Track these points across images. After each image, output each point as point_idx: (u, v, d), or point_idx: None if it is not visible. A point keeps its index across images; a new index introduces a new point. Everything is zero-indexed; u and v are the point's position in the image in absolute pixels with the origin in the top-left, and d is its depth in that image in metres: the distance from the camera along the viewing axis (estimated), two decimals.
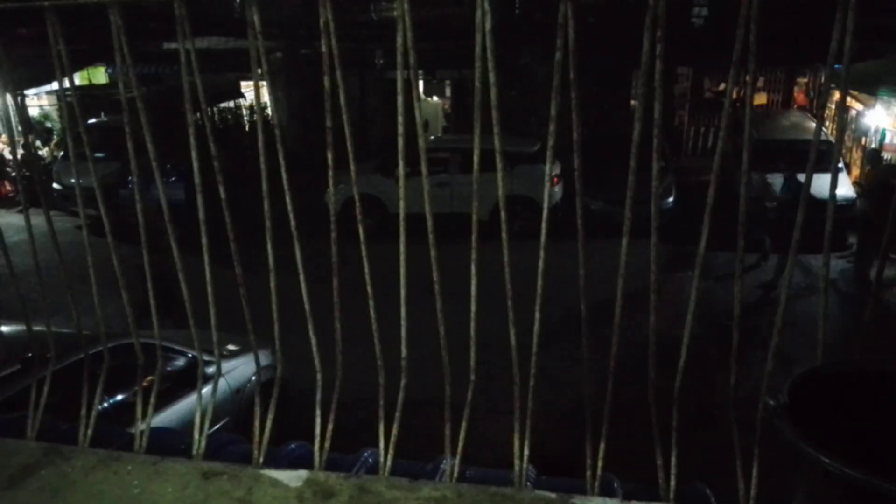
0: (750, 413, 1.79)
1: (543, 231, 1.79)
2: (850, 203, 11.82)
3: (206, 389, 2.21)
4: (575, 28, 1.55)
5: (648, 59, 1.54)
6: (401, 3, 1.58)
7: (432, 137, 17.57)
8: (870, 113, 13.74)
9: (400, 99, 1.70)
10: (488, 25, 1.57)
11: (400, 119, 1.72)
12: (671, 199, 12.42)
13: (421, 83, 19.41)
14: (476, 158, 1.72)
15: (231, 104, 18.21)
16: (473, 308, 1.90)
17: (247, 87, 18.53)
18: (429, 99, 20.70)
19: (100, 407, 2.29)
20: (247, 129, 18.02)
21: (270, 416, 2.09)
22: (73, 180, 2.30)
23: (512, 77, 14.45)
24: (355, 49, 15.17)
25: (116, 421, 2.81)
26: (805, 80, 18.74)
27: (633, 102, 17.25)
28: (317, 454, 1.99)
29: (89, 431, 2.20)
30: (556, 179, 12.72)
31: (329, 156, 1.81)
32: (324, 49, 1.68)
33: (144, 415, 2.22)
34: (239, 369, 6.05)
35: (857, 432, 1.35)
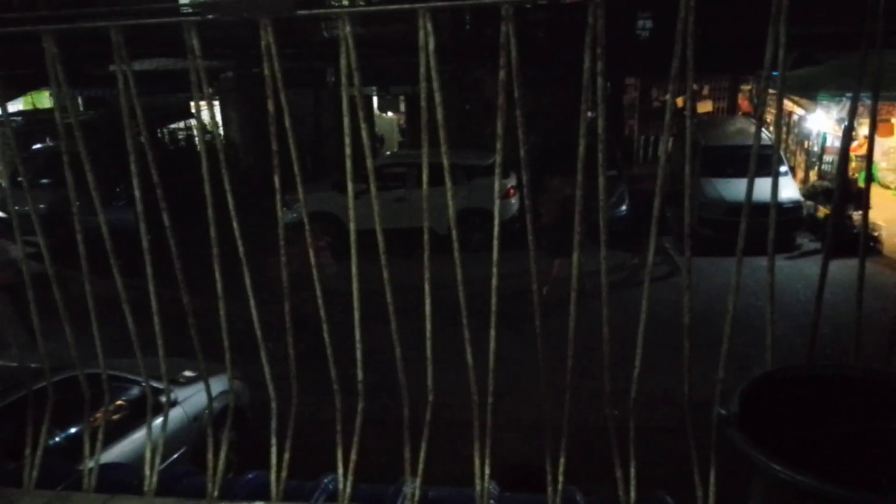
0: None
1: (496, 250, 1.79)
2: (796, 205, 12.18)
3: (159, 421, 2.14)
4: (524, 42, 1.57)
5: (590, 76, 1.56)
6: (343, 25, 1.57)
7: (388, 153, 17.57)
8: (811, 117, 14.23)
9: (346, 120, 1.69)
10: (432, 46, 1.57)
11: (346, 140, 1.70)
12: (624, 208, 12.63)
13: (375, 99, 19.41)
14: (425, 178, 1.72)
15: (182, 125, 17.93)
16: (429, 327, 1.88)
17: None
18: (383, 115, 20.68)
19: (50, 442, 2.21)
20: (198, 149, 17.71)
21: (225, 447, 2.03)
22: (16, 207, 2.22)
23: (465, 92, 14.56)
24: (307, 67, 15.10)
25: (69, 455, 2.70)
26: (749, 87, 19.31)
27: (589, 114, 17.53)
28: (273, 485, 1.94)
29: (34, 473, 2.11)
30: (511, 191, 12.83)
31: (276, 179, 1.79)
32: (266, 72, 1.66)
33: (93, 451, 2.13)
34: (196, 396, 5.90)
35: (810, 436, 1.37)
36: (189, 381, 6.04)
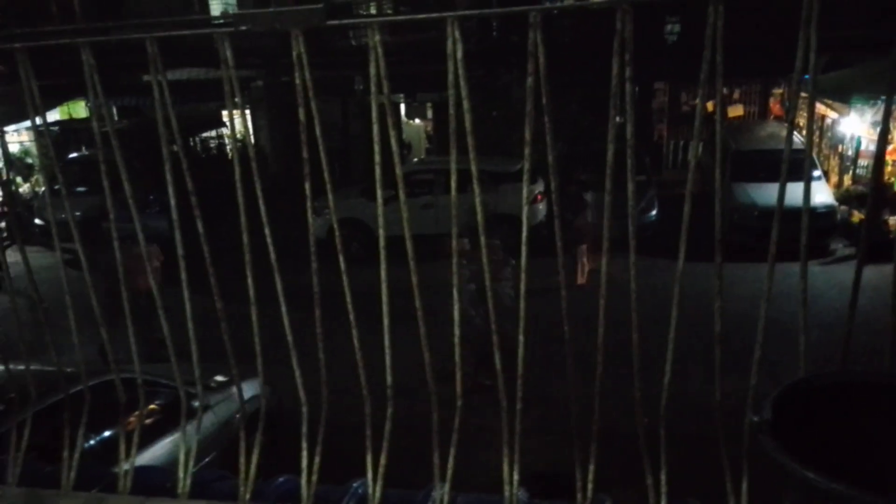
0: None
1: (524, 253, 1.79)
2: (829, 210, 11.96)
3: (192, 425, 2.18)
4: (551, 48, 1.57)
5: (618, 82, 1.56)
6: (373, 33, 1.59)
7: (416, 160, 17.64)
8: (844, 121, 13.96)
9: (375, 128, 1.71)
10: (460, 54, 1.58)
11: (376, 147, 1.72)
12: (654, 213, 12.52)
13: (402, 106, 19.53)
14: (454, 185, 1.73)
15: (213, 133, 18.23)
16: (457, 333, 1.89)
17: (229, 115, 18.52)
18: (411, 122, 20.80)
19: (85, 446, 2.26)
20: (230, 157, 18.02)
21: (256, 451, 2.06)
22: (54, 215, 2.28)
23: (492, 98, 14.58)
24: (335, 75, 15.27)
25: (105, 459, 2.76)
26: (780, 90, 19.04)
27: (618, 119, 17.47)
28: (304, 489, 1.96)
29: (72, 474, 2.16)
30: (539, 197, 12.80)
31: (307, 186, 1.81)
32: (297, 82, 1.69)
33: (128, 454, 2.18)
34: (227, 401, 5.98)
35: (843, 443, 1.35)
36: (220, 387, 6.12)
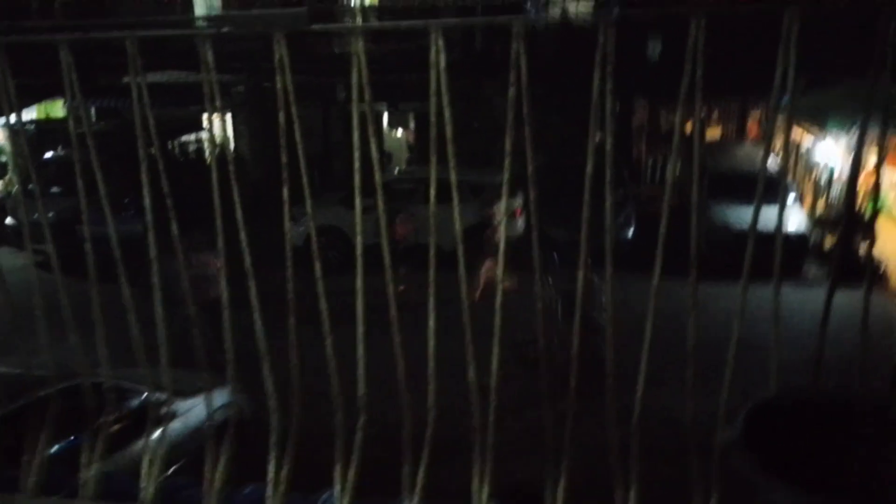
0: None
1: (500, 265, 1.79)
2: (803, 233, 12.16)
3: (160, 432, 2.14)
4: (532, 60, 1.58)
5: (599, 95, 1.57)
6: (356, 41, 1.59)
7: (396, 169, 17.61)
8: (820, 145, 14.22)
9: (356, 135, 1.71)
10: (443, 63, 1.58)
11: (356, 154, 1.72)
12: (631, 230, 12.62)
13: (385, 115, 19.51)
14: (432, 195, 1.73)
15: (192, 137, 18.05)
16: (431, 344, 1.88)
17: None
18: (393, 131, 20.78)
19: (53, 451, 2.21)
20: (209, 162, 17.85)
21: (223, 459, 2.03)
22: (26, 215, 2.24)
23: (473, 109, 14.63)
24: (317, 81, 15.22)
25: (71, 464, 2.69)
26: (758, 111, 19.35)
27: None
28: (271, 499, 1.93)
29: (34, 479, 2.10)
30: (518, 211, 12.84)
31: (285, 191, 1.80)
32: (279, 86, 1.68)
33: (93, 460, 2.13)
34: (198, 408, 5.89)
35: (813, 460, 1.36)
36: (193, 393, 6.03)
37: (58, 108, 19.61)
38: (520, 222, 12.68)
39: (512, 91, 1.59)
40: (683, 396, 1.82)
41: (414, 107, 18.06)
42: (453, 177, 1.70)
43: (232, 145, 16.57)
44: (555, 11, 15.23)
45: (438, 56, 1.57)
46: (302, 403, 2.02)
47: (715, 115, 19.13)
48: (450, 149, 1.67)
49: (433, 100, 1.61)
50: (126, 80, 1.94)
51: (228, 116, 17.12)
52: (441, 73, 1.59)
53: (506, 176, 1.75)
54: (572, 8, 15.26)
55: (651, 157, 18.85)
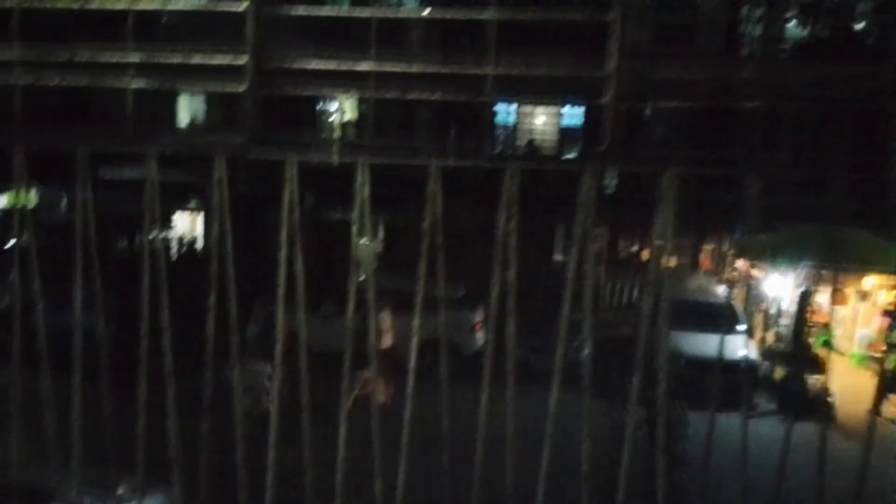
0: None
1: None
2: (753, 365, 12.38)
3: None
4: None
5: (504, 232, 1.70)
6: (290, 167, 1.70)
7: (362, 278, 17.63)
8: (769, 281, 14.80)
9: (283, 251, 1.78)
10: (366, 192, 1.72)
11: (281, 269, 1.77)
12: (587, 351, 12.71)
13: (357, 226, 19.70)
14: (350, 305, 1.76)
15: (160, 233, 17.90)
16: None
17: (176, 217, 18.43)
18: (362, 241, 20.98)
19: None
20: (174, 259, 17.71)
21: None
22: None
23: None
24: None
25: None
26: (710, 246, 20.18)
27: (555, 257, 18.12)
28: None
29: None
30: (477, 326, 12.89)
31: (211, 298, 1.84)
32: (215, 202, 1.77)
33: None
34: None
35: None
36: (122, 500, 5.69)
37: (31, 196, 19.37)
38: (479, 336, 12.70)
39: (427, 222, 1.72)
40: None
41: (383, 217, 18.40)
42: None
43: (201, 244, 16.50)
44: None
45: (363, 188, 1.71)
46: None
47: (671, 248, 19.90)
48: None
49: (355, 227, 1.68)
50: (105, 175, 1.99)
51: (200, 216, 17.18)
52: (366, 201, 1.73)
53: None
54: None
55: (609, 283, 19.31)
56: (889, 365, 11.14)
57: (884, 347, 12.47)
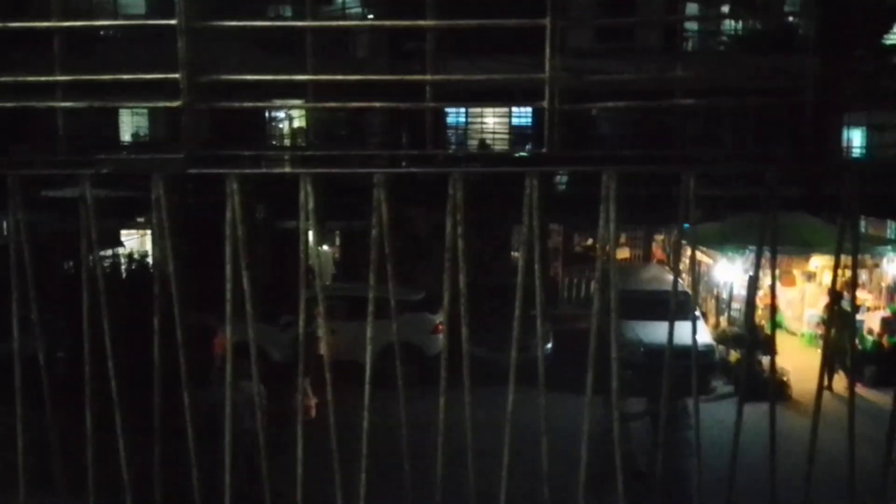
0: None
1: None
2: (708, 349, 12.71)
3: None
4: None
5: (528, 233, 1.72)
6: (231, 182, 1.70)
7: (320, 286, 17.47)
8: (718, 267, 15.24)
9: (230, 267, 1.78)
10: (311, 205, 1.72)
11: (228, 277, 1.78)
12: (549, 346, 12.86)
13: (311, 233, 19.58)
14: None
15: (109, 252, 17.51)
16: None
17: (126, 235, 18.02)
18: (320, 248, 20.84)
19: None
20: (124, 277, 17.28)
21: None
22: None
23: (396, 229, 14.96)
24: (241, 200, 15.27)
25: None
26: (662, 237, 20.66)
27: (513, 254, 18.30)
28: None
29: None
30: (439, 327, 12.91)
31: (155, 322, 1.83)
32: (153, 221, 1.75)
33: None
34: None
35: None
36: None
37: None
38: (440, 338, 12.70)
39: (374, 232, 1.75)
40: None
41: (339, 225, 18.32)
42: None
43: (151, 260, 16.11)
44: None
45: (308, 199, 1.72)
46: None
47: (623, 240, 20.33)
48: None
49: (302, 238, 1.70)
50: (45, 192, 1.94)
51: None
52: (310, 214, 1.74)
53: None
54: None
55: (566, 278, 19.60)
56: (832, 342, 11.58)
57: (829, 326, 12.95)
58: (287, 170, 1.70)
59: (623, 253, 20.14)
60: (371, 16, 18.92)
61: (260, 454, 1.94)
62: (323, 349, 1.95)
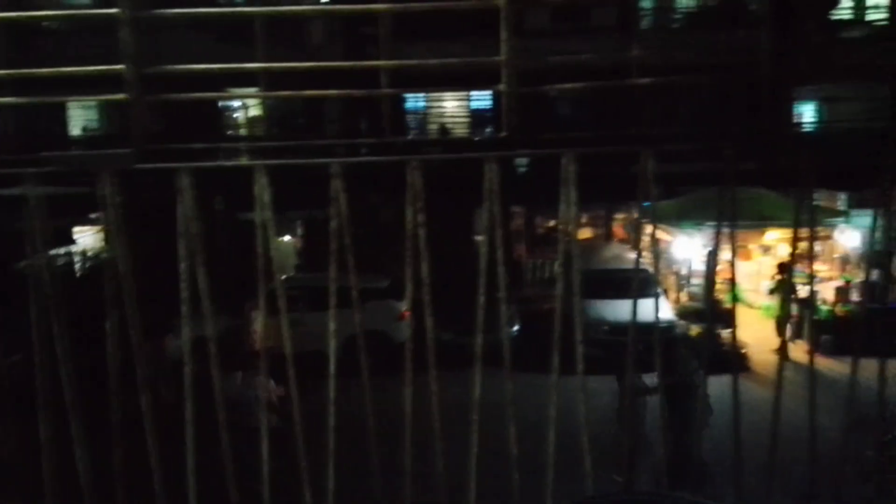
0: None
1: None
2: (670, 324, 12.96)
3: None
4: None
5: (489, 218, 1.72)
6: (181, 177, 1.67)
7: (283, 277, 17.30)
8: (677, 244, 15.51)
9: (183, 265, 1.72)
10: (267, 198, 1.72)
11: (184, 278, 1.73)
12: (516, 328, 12.97)
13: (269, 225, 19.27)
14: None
15: (62, 251, 17.05)
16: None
17: (79, 232, 17.56)
18: (281, 239, 20.58)
19: None
20: (77, 276, 16.86)
21: None
22: None
23: (359, 217, 14.89)
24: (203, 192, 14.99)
25: None
26: (623, 216, 20.93)
27: (476, 238, 18.37)
28: None
29: None
30: (405, 314, 12.91)
31: (108, 325, 1.79)
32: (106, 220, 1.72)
33: None
34: None
35: None
36: None
37: None
38: (407, 324, 12.71)
39: (334, 223, 1.76)
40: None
41: (301, 214, 18.10)
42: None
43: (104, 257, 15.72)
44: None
45: (263, 191, 1.72)
46: None
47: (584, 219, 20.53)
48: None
49: (261, 232, 1.66)
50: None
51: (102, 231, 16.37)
52: (267, 206, 1.73)
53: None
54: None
55: (531, 260, 19.75)
56: (785, 312, 11.91)
57: (778, 297, 13.30)
58: (242, 162, 1.68)
59: (585, 233, 20.37)
60: (325, 0, 18.63)
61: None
62: (259, 343, 1.95)
